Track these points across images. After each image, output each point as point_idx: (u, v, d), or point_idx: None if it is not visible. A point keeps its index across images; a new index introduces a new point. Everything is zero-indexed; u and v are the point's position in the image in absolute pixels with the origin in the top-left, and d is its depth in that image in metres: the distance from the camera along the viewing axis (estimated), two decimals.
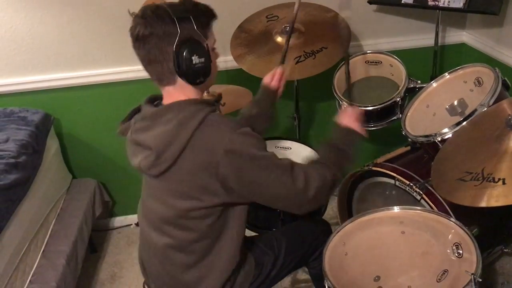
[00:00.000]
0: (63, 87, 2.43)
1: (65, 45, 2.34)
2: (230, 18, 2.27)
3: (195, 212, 1.33)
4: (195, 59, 1.29)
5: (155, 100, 1.41)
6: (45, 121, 2.32)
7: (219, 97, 1.97)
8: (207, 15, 1.35)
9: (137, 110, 1.43)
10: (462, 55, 2.60)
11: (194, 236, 1.38)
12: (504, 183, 1.24)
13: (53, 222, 2.24)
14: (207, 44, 1.32)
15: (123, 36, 2.23)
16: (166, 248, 1.43)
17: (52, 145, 2.39)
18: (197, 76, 1.32)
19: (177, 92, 1.33)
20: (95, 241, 2.59)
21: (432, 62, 2.37)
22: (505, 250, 2.09)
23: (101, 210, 2.53)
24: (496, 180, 1.26)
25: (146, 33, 1.25)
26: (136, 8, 2.14)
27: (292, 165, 1.34)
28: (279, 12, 2.24)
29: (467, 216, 1.71)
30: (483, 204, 1.26)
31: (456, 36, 2.56)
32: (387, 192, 2.27)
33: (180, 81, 1.32)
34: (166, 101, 1.37)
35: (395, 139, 2.64)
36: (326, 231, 1.84)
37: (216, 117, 1.29)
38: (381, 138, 2.70)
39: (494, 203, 1.23)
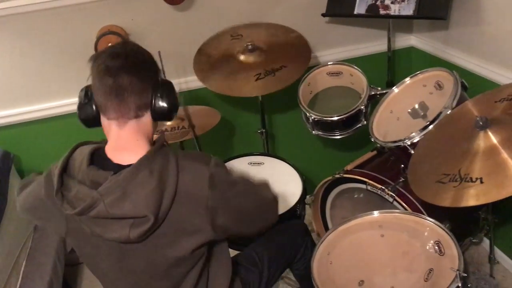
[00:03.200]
0: (20, 122, 2.34)
1: (19, 79, 2.26)
2: (191, 38, 2.29)
3: (185, 257, 1.32)
4: (174, 95, 1.32)
5: (92, 157, 1.28)
6: (5, 159, 2.22)
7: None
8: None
9: (64, 169, 1.28)
10: (412, 58, 2.72)
11: (184, 271, 1.37)
12: (481, 182, 1.32)
13: (23, 264, 2.15)
14: None
15: (79, 65, 2.23)
16: None
17: (15, 184, 2.28)
18: (171, 112, 1.32)
19: (141, 127, 1.29)
20: (68, 277, 2.49)
21: (387, 67, 2.47)
22: (473, 240, 2.21)
23: None
24: (474, 179, 1.34)
25: (130, 63, 1.24)
26: (90, 37, 2.15)
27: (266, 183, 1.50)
28: (244, 32, 2.27)
29: (439, 212, 1.78)
30: (464, 204, 1.33)
31: (404, 40, 2.68)
32: (355, 196, 2.34)
33: (146, 116, 1.30)
34: (124, 139, 1.28)
35: (359, 144, 2.74)
36: (301, 231, 1.87)
37: (185, 158, 1.28)
38: (346, 145, 2.78)
39: (475, 202, 1.30)
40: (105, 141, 1.32)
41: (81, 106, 1.32)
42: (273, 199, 1.50)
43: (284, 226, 1.89)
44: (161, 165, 1.23)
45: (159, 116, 1.31)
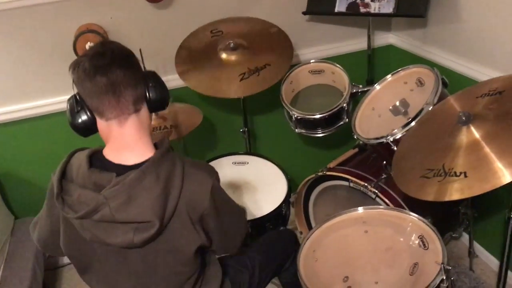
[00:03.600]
0: None
1: None
2: (171, 36, 2.27)
3: (186, 263, 1.34)
4: (163, 82, 1.34)
5: (90, 159, 1.27)
6: None
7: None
8: None
9: (62, 175, 1.27)
10: (390, 56, 2.75)
11: (183, 278, 1.38)
12: (465, 176, 1.34)
13: (1, 269, 2.09)
14: None
15: (57, 65, 2.19)
16: None
17: None
18: (165, 99, 1.34)
19: (141, 122, 1.29)
20: (47, 281, 2.44)
21: (367, 65, 2.49)
22: (453, 235, 2.25)
23: None
24: (458, 174, 1.35)
25: (119, 58, 1.23)
26: (68, 35, 2.11)
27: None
28: (224, 27, 2.26)
29: (421, 208, 1.81)
30: (448, 197, 1.35)
31: (383, 38, 2.71)
32: (337, 193, 2.36)
33: (144, 108, 1.30)
34: (127, 137, 1.26)
35: (341, 142, 2.75)
36: (292, 240, 1.89)
37: (191, 165, 1.29)
38: (328, 143, 2.80)
39: (460, 195, 1.32)
40: (102, 146, 1.31)
41: (73, 115, 1.28)
42: (246, 228, 1.57)
43: (277, 233, 1.93)
44: (168, 170, 1.23)
45: (155, 106, 1.32)
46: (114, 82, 1.20)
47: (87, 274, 1.39)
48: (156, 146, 1.32)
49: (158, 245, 1.26)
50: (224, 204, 1.36)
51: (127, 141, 1.26)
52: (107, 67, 1.20)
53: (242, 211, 1.56)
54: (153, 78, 1.31)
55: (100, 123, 1.27)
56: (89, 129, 1.30)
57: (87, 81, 1.21)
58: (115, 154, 1.27)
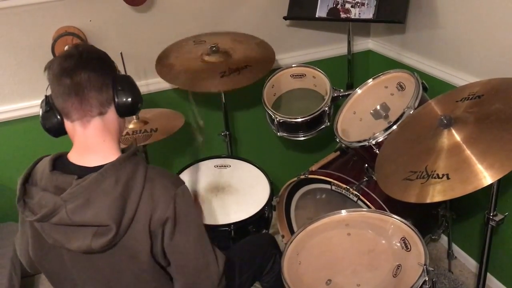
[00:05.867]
0: None
1: None
2: (152, 40, 2.26)
3: (148, 270, 1.30)
4: (135, 87, 1.33)
5: (54, 162, 1.27)
6: None
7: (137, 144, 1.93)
8: None
9: (26, 180, 1.28)
10: (370, 61, 2.79)
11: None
12: (448, 177, 1.36)
13: None
14: None
15: (35, 68, 2.15)
16: None
17: None
18: (135, 104, 1.31)
19: (106, 125, 1.28)
20: None
21: (347, 70, 2.51)
22: (432, 237, 2.28)
23: None
24: (441, 176, 1.37)
25: (85, 61, 1.23)
26: (46, 38, 2.07)
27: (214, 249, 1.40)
28: (207, 38, 2.28)
29: (401, 211, 1.83)
30: (430, 199, 1.37)
31: (362, 44, 2.74)
32: (317, 197, 2.37)
33: (110, 112, 1.28)
34: (90, 140, 1.26)
35: (323, 145, 2.77)
36: (271, 243, 1.88)
37: (155, 172, 1.27)
38: (310, 146, 2.82)
39: (442, 197, 1.34)
40: (67, 151, 1.31)
41: (43, 115, 1.29)
42: (217, 269, 1.38)
43: (255, 237, 1.91)
44: (128, 174, 1.22)
45: (123, 110, 1.30)
46: (78, 84, 1.21)
47: (63, 283, 1.37)
48: (123, 151, 1.30)
49: (120, 250, 1.24)
50: (187, 218, 1.29)
51: (90, 143, 1.26)
52: (72, 69, 1.21)
53: (213, 256, 1.37)
54: (123, 82, 1.29)
55: (67, 124, 1.28)
56: (58, 129, 1.30)
57: (55, 83, 1.23)
58: (79, 156, 1.27)
